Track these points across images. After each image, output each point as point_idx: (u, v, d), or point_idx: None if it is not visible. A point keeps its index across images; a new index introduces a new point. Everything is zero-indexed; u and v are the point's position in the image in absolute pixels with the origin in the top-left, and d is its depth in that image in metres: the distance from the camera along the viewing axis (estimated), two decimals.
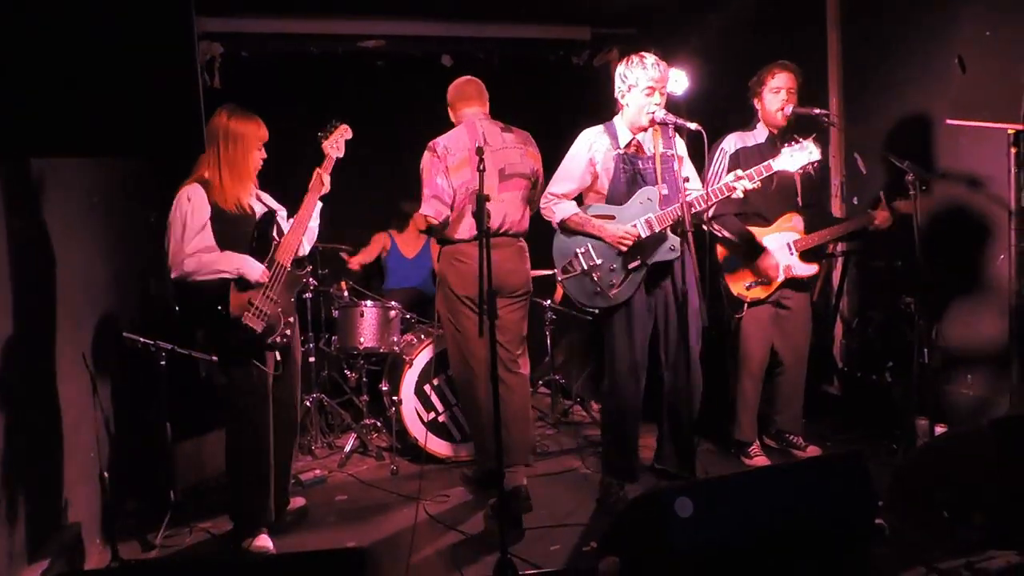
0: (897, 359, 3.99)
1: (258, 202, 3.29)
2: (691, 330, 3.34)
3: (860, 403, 4.23)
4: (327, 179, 3.31)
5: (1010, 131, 3.33)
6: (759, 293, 3.83)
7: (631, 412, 3.46)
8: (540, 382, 5.34)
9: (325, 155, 3.32)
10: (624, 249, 3.32)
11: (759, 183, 3.25)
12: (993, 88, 2.91)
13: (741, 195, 3.27)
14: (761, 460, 3.94)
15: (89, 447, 3.15)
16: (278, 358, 3.23)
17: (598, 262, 3.35)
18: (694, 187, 3.43)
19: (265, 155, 3.25)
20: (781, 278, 3.80)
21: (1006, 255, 3.53)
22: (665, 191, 3.38)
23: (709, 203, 3.32)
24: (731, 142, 3.83)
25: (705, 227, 3.82)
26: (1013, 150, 3.39)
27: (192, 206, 3.03)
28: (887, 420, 4.01)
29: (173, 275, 3.04)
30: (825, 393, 4.51)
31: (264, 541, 3.16)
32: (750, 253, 3.80)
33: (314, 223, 3.42)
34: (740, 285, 3.84)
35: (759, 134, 3.86)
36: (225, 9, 5.05)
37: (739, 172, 3.26)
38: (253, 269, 3.07)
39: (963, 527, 2.71)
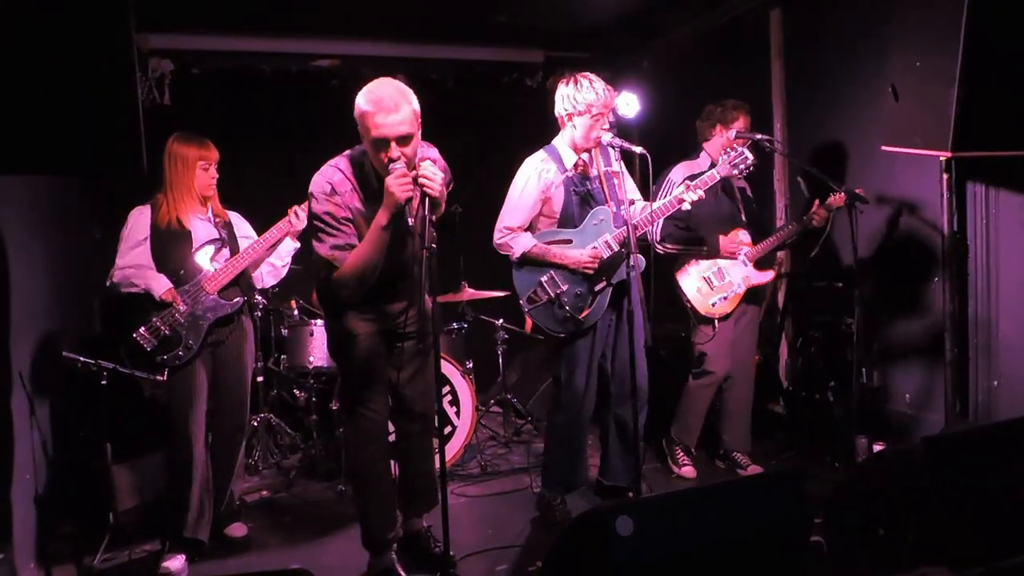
0: (838, 378, 4.08)
1: (208, 223, 3.31)
2: (637, 346, 3.36)
3: (804, 421, 4.31)
4: (301, 214, 3.28)
5: (941, 158, 3.45)
6: (726, 308, 3.89)
7: (584, 425, 3.53)
8: (492, 401, 5.33)
9: None
10: (590, 272, 3.33)
11: (703, 194, 3.29)
12: (924, 116, 2.99)
13: (688, 207, 3.30)
14: (688, 471, 4.04)
15: (25, 468, 3.07)
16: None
17: (564, 288, 3.33)
18: (638, 206, 3.46)
19: (215, 174, 3.31)
20: (743, 289, 3.88)
21: (940, 278, 3.65)
22: (614, 209, 3.38)
23: (657, 216, 3.35)
24: (679, 172, 3.91)
25: (657, 248, 3.85)
26: (945, 176, 3.52)
27: (132, 224, 3.24)
28: (829, 438, 4.10)
29: (107, 283, 3.22)
30: (770, 412, 4.59)
31: (172, 563, 3.14)
32: (709, 252, 3.86)
33: (279, 261, 3.48)
34: (706, 304, 3.89)
35: (703, 163, 3.97)
36: (176, 26, 5.00)
37: (688, 183, 3.30)
38: (159, 287, 3.13)
39: (896, 543, 2.77)
